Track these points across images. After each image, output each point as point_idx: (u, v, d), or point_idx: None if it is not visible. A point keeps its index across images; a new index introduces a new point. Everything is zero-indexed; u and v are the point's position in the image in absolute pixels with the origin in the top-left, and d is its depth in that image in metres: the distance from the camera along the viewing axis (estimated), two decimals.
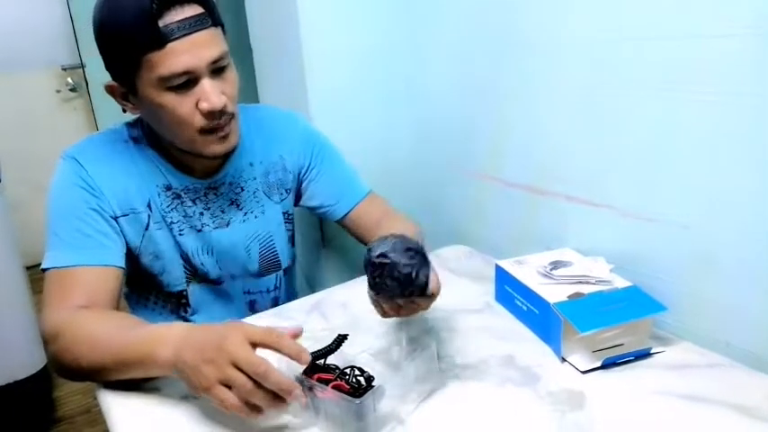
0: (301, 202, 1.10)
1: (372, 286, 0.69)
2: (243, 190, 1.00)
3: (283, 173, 1.05)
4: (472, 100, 1.13)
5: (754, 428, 0.63)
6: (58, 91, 3.14)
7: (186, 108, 0.81)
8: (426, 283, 0.67)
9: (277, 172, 1.04)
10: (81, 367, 0.75)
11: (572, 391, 0.71)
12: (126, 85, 0.83)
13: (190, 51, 0.77)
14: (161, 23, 0.75)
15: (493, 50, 1.05)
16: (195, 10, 0.78)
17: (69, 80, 3.10)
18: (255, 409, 0.62)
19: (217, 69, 0.82)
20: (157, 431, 0.69)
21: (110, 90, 0.86)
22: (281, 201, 1.06)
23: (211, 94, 0.80)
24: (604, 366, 0.75)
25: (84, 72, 2.89)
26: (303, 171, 1.07)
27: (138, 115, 0.90)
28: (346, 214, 1.06)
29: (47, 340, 0.78)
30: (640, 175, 0.84)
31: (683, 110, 0.76)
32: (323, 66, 1.24)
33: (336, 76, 1.26)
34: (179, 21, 0.76)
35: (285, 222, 1.07)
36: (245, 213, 1.01)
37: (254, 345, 0.62)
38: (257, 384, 0.60)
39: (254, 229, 1.03)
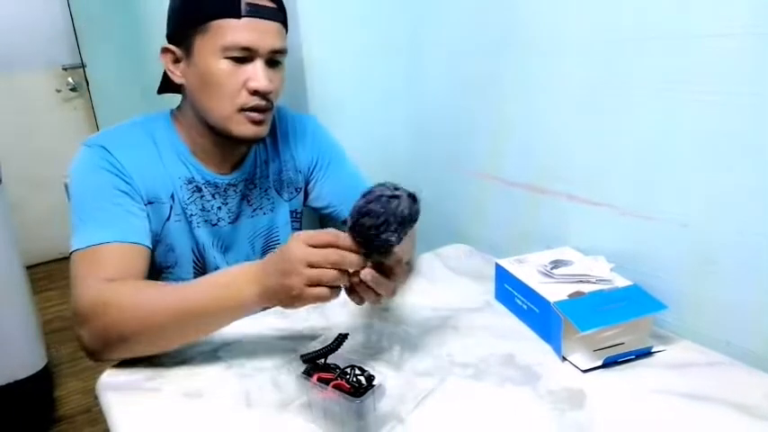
0: (308, 202, 1.11)
1: (376, 221, 0.65)
2: (256, 187, 1.02)
3: (294, 172, 1.06)
4: (472, 99, 1.13)
5: (755, 427, 0.63)
6: (59, 90, 3.14)
7: (235, 82, 0.86)
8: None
9: (288, 171, 1.06)
10: (131, 334, 0.74)
11: (572, 390, 0.71)
12: (183, 48, 0.87)
13: (258, 32, 0.84)
14: (243, 0, 0.82)
15: (493, 49, 1.05)
16: (273, 3, 0.86)
17: (70, 80, 3.10)
18: (338, 289, 0.69)
19: (273, 61, 0.88)
20: (157, 431, 0.69)
21: (164, 52, 0.90)
22: (291, 199, 1.07)
23: (262, 76, 0.86)
24: (605, 365, 0.75)
25: (84, 72, 2.89)
26: (311, 171, 1.08)
27: (180, 81, 0.91)
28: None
29: (84, 319, 0.76)
30: (640, 174, 0.84)
31: (683, 109, 0.77)
32: (323, 65, 1.24)
33: (336, 75, 1.26)
34: (258, 5, 0.84)
35: (292, 221, 1.09)
36: (255, 210, 1.03)
37: (314, 246, 0.67)
38: (337, 269, 0.66)
39: (262, 224, 1.04)
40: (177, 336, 0.77)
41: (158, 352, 0.79)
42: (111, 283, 0.78)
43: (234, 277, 0.73)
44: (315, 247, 0.66)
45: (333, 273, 0.66)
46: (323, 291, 0.66)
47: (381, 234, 0.65)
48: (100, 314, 0.75)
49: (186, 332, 0.77)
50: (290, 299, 0.68)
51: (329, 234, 0.67)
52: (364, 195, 0.67)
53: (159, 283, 0.83)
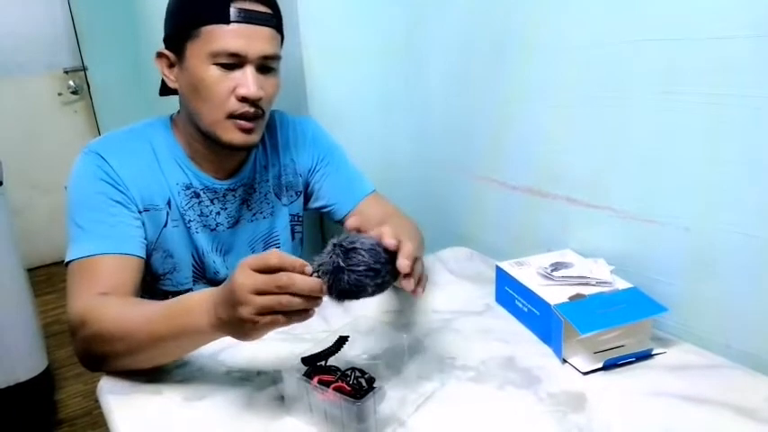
0: (309, 204, 1.11)
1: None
2: (255, 191, 1.03)
3: (294, 176, 1.07)
4: (472, 101, 1.13)
5: (755, 430, 0.63)
6: (60, 94, 3.14)
7: (224, 88, 0.85)
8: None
9: (288, 175, 1.06)
10: (110, 353, 0.75)
11: (573, 393, 0.71)
12: (177, 53, 0.88)
13: (247, 38, 0.83)
14: (233, 5, 0.82)
15: (492, 52, 1.05)
16: (265, 8, 0.85)
17: (71, 83, 3.11)
18: (303, 313, 0.62)
19: (264, 67, 0.87)
20: None
21: (159, 57, 0.91)
22: (291, 203, 1.08)
23: (251, 82, 0.84)
24: (605, 368, 0.75)
25: (85, 74, 2.89)
26: (310, 172, 1.09)
27: (174, 86, 0.91)
28: (346, 214, 1.07)
29: (73, 331, 0.78)
30: (641, 177, 0.84)
31: (684, 112, 0.77)
32: (323, 68, 1.24)
33: (336, 78, 1.26)
34: (249, 10, 0.83)
35: (293, 225, 1.09)
36: (254, 214, 1.03)
37: (261, 271, 0.61)
38: (289, 293, 0.60)
39: (262, 229, 1.05)
40: (150, 357, 0.75)
41: (142, 368, 0.78)
42: (99, 298, 0.78)
43: (191, 307, 0.69)
44: (261, 272, 0.60)
45: (285, 298, 0.59)
46: (277, 318, 0.60)
47: (356, 274, 0.60)
48: (84, 329, 0.76)
49: (157, 354, 0.75)
50: (244, 331, 0.62)
51: (274, 256, 0.61)
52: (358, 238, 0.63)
53: (142, 301, 0.82)
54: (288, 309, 0.60)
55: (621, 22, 0.82)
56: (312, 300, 0.61)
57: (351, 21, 1.25)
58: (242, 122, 0.87)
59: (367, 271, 0.62)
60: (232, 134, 0.88)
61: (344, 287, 0.62)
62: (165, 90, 0.96)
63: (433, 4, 1.15)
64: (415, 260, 0.66)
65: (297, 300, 0.60)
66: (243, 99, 0.85)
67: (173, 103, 0.97)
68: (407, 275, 0.65)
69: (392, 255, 0.64)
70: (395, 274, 0.65)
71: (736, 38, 0.69)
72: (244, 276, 0.60)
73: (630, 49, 0.81)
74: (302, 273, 0.61)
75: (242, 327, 0.62)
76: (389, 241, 0.64)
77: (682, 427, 0.65)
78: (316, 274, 0.62)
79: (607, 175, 0.90)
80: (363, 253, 0.62)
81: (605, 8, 0.83)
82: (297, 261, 0.61)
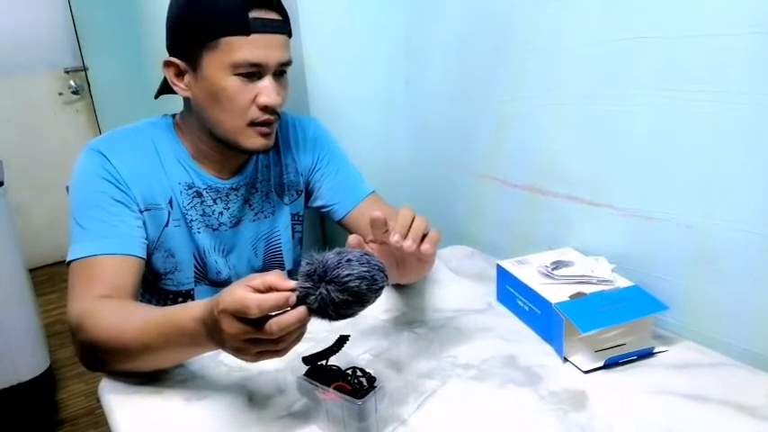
0: (309, 203, 1.12)
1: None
2: (257, 191, 1.03)
3: (295, 175, 1.07)
4: (472, 100, 1.13)
5: (756, 427, 0.63)
6: (61, 93, 3.14)
7: (245, 98, 0.86)
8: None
9: (289, 174, 1.07)
10: (107, 359, 0.76)
11: (574, 391, 0.71)
12: (190, 63, 0.87)
13: (266, 47, 0.84)
14: (251, 15, 0.82)
15: (491, 50, 1.05)
16: (278, 16, 0.86)
17: (72, 83, 3.11)
18: (295, 340, 0.62)
19: (280, 72, 0.89)
20: None
21: (167, 65, 0.90)
22: (292, 202, 1.08)
23: (272, 91, 0.87)
24: (606, 366, 0.75)
25: (86, 74, 2.90)
26: (311, 172, 1.09)
27: (186, 95, 0.90)
28: (346, 215, 1.07)
29: (72, 332, 0.78)
30: (642, 175, 0.84)
31: (685, 109, 0.76)
32: (323, 67, 1.24)
33: (336, 77, 1.26)
34: (265, 19, 0.84)
35: (294, 224, 1.09)
36: (256, 213, 1.04)
37: (242, 318, 0.59)
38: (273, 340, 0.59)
39: (264, 228, 1.05)
40: (147, 364, 0.76)
41: (140, 371, 0.78)
42: (96, 303, 0.78)
43: (183, 323, 0.67)
44: (243, 318, 0.58)
45: (269, 343, 0.59)
46: (273, 350, 0.60)
47: (346, 278, 0.58)
48: (81, 334, 0.76)
49: (154, 362, 0.76)
50: (237, 356, 0.62)
51: (254, 307, 0.57)
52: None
53: (137, 307, 0.80)
54: (277, 346, 0.60)
55: (621, 19, 0.81)
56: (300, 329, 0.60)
57: (351, 21, 1.24)
58: (263, 128, 0.89)
59: (359, 286, 0.59)
60: (254, 140, 0.90)
61: (341, 315, 0.60)
62: (162, 92, 0.96)
63: (432, 3, 1.15)
64: (413, 220, 0.72)
65: (282, 342, 0.60)
66: (264, 108, 0.87)
67: (173, 102, 0.97)
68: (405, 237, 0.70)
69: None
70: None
71: (737, 35, 0.69)
72: (227, 324, 0.59)
73: (630, 46, 0.81)
74: (287, 302, 0.58)
75: (234, 354, 0.62)
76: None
77: (683, 425, 0.64)
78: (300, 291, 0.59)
79: (608, 172, 0.89)
80: (347, 277, 0.58)
81: (604, 6, 0.83)
82: (281, 299, 0.58)
